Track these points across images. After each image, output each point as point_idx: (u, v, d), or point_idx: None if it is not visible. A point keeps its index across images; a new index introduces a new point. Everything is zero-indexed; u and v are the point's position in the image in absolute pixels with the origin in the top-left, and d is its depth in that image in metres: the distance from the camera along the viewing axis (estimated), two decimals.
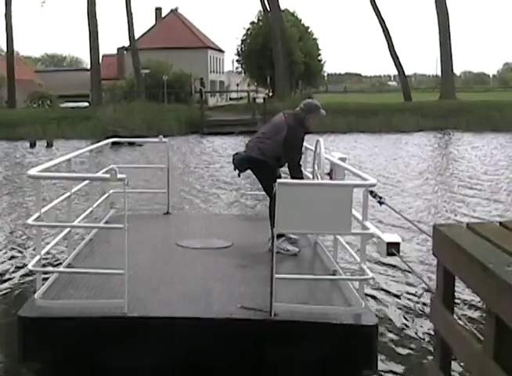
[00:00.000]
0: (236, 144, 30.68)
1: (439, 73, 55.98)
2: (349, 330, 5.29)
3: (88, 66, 56.10)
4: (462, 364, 3.70)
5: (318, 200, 5.33)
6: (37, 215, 5.84)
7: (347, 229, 5.51)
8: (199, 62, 72.46)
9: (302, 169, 7.70)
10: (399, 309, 8.24)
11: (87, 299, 5.61)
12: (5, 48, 56.56)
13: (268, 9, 54.64)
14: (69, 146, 32.96)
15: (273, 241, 5.39)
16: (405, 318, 7.90)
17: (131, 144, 29.31)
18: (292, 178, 7.27)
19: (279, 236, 6.62)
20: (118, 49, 76.75)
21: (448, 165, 23.79)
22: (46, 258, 7.22)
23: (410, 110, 43.72)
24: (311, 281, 6.18)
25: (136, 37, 57.11)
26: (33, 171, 5.84)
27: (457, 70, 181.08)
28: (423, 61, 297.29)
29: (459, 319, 3.83)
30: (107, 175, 5.53)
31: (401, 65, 53.21)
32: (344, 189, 5.54)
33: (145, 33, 76.46)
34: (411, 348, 7.15)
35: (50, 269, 7.27)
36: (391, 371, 6.61)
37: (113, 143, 10.41)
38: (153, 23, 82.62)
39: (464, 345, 3.49)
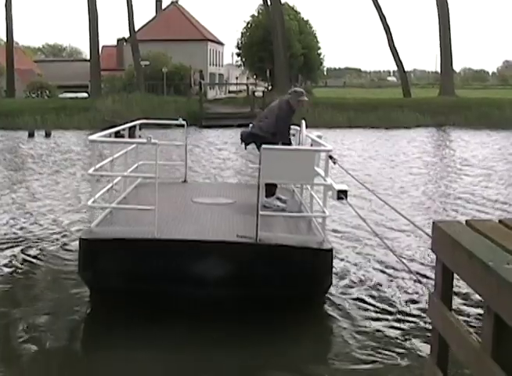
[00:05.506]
0: (233, 137, 30.55)
1: (439, 69, 56.10)
2: (313, 252, 7.26)
3: (88, 57, 55.94)
4: (459, 361, 3.67)
5: (291, 160, 7.51)
6: (93, 168, 8.03)
7: (311, 181, 7.94)
8: (198, 54, 72.54)
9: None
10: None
11: (128, 227, 7.71)
12: (4, 38, 56.62)
13: (269, 2, 54.69)
14: (67, 137, 32.92)
15: (259, 190, 7.36)
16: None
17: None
18: (282, 144, 8.83)
19: (272, 195, 9.02)
20: (118, 41, 76.75)
21: (443, 161, 23.78)
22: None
23: (409, 106, 43.80)
24: (291, 222, 8.29)
25: (136, 29, 56.93)
26: (93, 137, 7.84)
27: (457, 66, 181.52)
28: (422, 57, 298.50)
29: (458, 316, 3.83)
30: (144, 140, 7.54)
31: (400, 61, 53.29)
32: (309, 153, 7.83)
33: (145, 25, 76.41)
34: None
35: (103, 204, 8.82)
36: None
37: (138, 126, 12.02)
38: (154, 14, 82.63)
39: (462, 343, 3.49)
